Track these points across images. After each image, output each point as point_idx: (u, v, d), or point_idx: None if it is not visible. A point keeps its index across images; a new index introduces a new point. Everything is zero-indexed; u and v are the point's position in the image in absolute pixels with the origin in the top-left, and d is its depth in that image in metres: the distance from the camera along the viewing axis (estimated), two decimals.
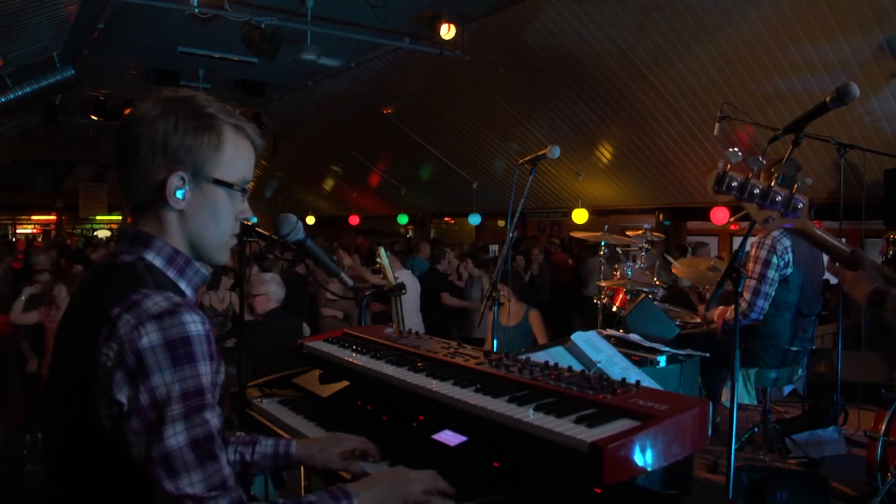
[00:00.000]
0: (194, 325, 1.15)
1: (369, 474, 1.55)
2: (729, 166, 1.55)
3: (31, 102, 9.61)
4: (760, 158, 1.58)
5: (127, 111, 1.31)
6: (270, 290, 4.44)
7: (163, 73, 10.65)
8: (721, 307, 4.01)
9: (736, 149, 1.62)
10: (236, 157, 1.33)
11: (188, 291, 1.32)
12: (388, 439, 1.74)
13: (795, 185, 1.54)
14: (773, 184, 1.54)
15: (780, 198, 1.54)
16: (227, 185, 1.32)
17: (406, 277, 6.17)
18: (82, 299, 1.28)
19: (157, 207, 1.29)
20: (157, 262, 1.28)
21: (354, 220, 18.43)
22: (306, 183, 19.53)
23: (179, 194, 1.27)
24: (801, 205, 1.54)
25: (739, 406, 3.38)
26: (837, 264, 1.67)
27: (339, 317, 6.69)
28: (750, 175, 1.55)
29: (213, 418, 1.16)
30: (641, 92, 8.91)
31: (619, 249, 6.11)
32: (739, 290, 2.64)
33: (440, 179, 14.80)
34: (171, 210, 1.29)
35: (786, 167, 2.63)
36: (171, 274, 1.29)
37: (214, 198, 1.32)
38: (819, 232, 1.63)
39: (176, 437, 1.11)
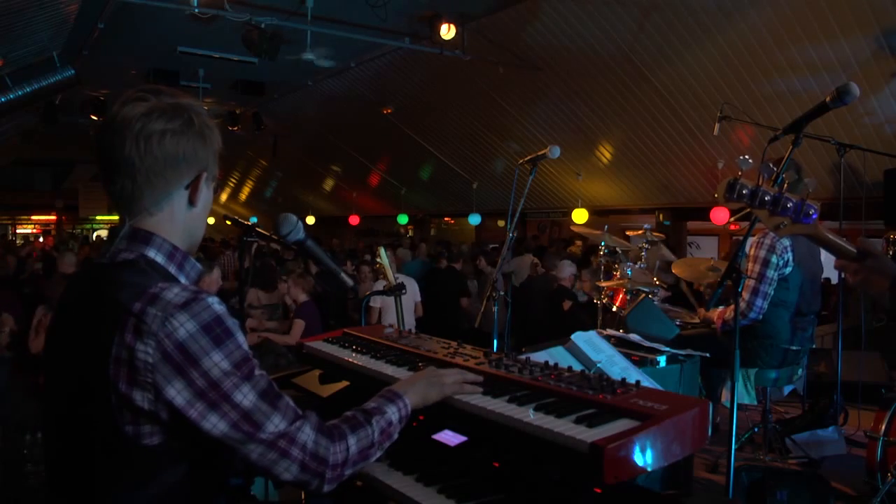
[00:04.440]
0: (218, 304, 1.22)
1: None
2: (740, 174, 1.55)
3: (31, 102, 9.58)
4: (771, 165, 1.59)
5: (122, 113, 1.27)
6: None
7: (163, 73, 10.62)
8: (720, 308, 4.01)
9: (747, 156, 1.63)
10: None
11: None
12: None
13: (807, 192, 1.55)
14: (783, 190, 1.54)
15: (791, 204, 1.55)
16: (217, 182, 1.44)
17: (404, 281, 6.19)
18: (86, 298, 1.27)
19: (173, 206, 1.33)
20: (159, 258, 1.31)
21: (354, 220, 18.41)
22: (306, 183, 19.51)
23: (201, 193, 1.37)
24: (813, 211, 1.55)
25: (739, 406, 3.38)
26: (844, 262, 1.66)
27: None
28: (760, 182, 1.55)
29: (263, 371, 1.28)
30: (641, 92, 8.91)
31: (618, 249, 6.10)
32: (739, 289, 2.64)
33: (440, 179, 14.79)
34: (190, 208, 1.36)
35: (785, 168, 2.63)
36: (171, 269, 1.33)
37: (211, 194, 1.41)
38: (830, 235, 1.63)
39: (246, 397, 1.22)
